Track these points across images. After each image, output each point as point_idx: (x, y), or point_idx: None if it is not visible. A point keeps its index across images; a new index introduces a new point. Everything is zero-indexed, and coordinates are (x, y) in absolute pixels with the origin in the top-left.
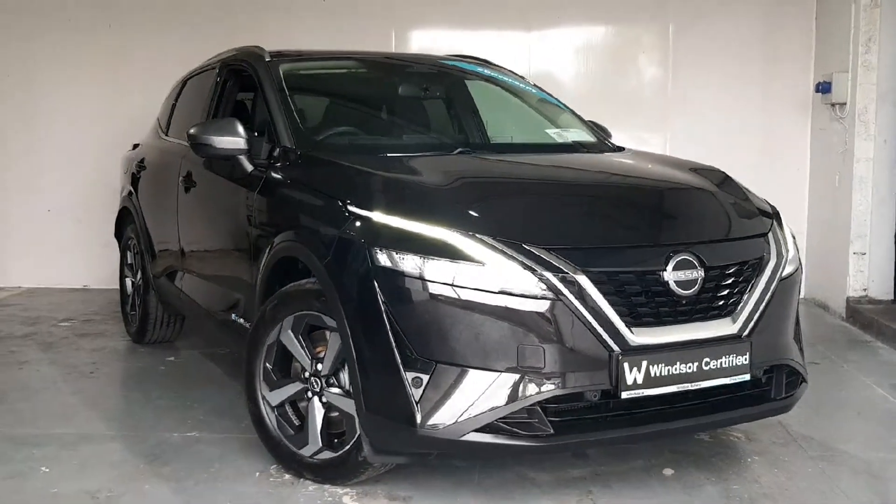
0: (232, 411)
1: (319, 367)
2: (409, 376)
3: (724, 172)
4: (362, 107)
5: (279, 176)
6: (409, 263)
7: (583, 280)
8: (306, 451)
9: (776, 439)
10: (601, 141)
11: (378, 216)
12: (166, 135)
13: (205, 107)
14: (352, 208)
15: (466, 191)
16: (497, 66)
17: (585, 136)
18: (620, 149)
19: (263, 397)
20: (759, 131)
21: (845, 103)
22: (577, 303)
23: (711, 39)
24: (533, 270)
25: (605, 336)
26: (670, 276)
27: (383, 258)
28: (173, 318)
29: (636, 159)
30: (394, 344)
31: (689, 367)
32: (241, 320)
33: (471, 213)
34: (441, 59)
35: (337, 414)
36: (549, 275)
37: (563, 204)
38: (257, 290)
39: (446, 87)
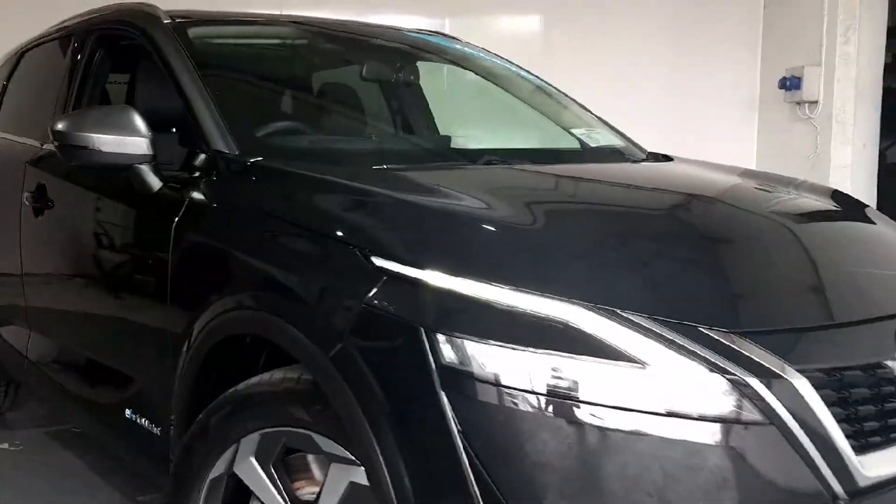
0: None
1: None
2: None
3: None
4: (308, 94)
5: (215, 199)
6: (502, 362)
7: (801, 386)
8: None
9: None
10: (635, 146)
11: (436, 277)
12: None
13: (59, 91)
14: (382, 262)
15: (575, 233)
16: (472, 44)
17: (615, 139)
18: (668, 157)
19: None
20: (686, 137)
21: (817, 101)
22: (793, 424)
23: (618, 26)
24: (727, 374)
25: (828, 473)
26: None
27: (452, 352)
28: (4, 383)
29: (733, 175)
30: None
31: None
32: (143, 420)
33: (604, 273)
34: (407, 32)
35: None
36: (754, 381)
37: (730, 254)
38: (180, 380)
39: (426, 71)
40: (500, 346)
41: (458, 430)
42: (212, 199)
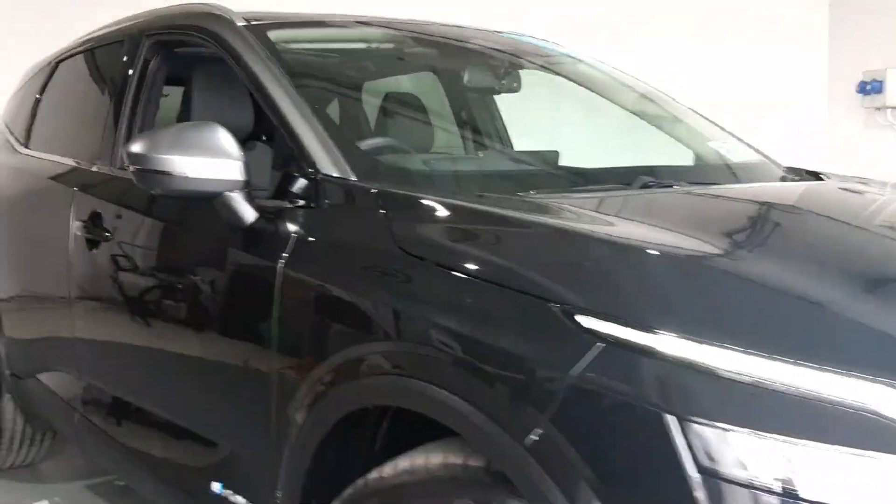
0: None
1: None
2: None
3: None
4: (407, 108)
5: (334, 235)
6: (793, 466)
7: None
8: None
9: None
10: (769, 159)
11: (681, 346)
12: (27, 147)
13: (109, 106)
14: (595, 324)
15: (847, 286)
16: (572, 49)
17: (751, 154)
18: (812, 173)
19: None
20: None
21: None
22: None
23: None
24: None
25: None
26: None
27: (717, 450)
28: (41, 433)
29: None
30: None
31: None
32: (237, 498)
33: None
34: (506, 35)
35: None
36: None
37: None
38: (292, 454)
39: (530, 79)
40: (796, 443)
41: None
42: (329, 236)
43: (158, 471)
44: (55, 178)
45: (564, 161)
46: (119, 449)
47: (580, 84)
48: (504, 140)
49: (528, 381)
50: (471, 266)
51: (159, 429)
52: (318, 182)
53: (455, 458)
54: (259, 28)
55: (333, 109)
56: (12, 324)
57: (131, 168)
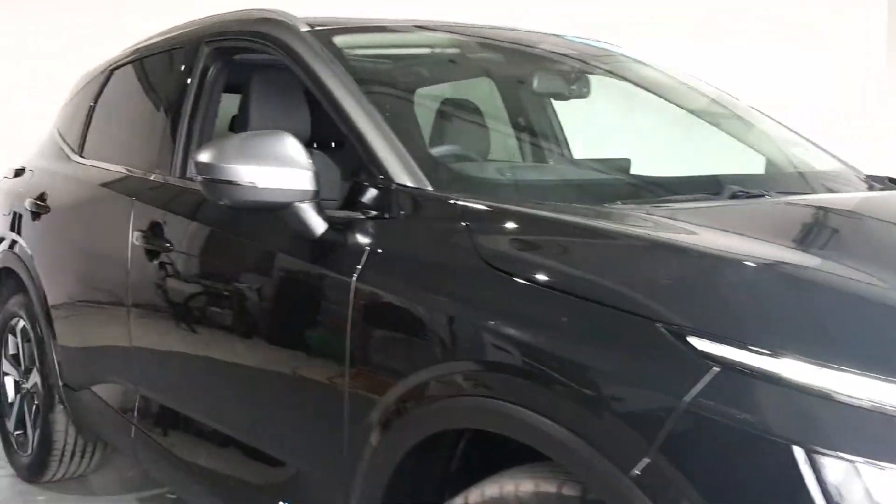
0: None
1: None
2: None
3: None
4: (476, 114)
5: (411, 248)
6: None
7: None
8: None
9: None
10: (848, 166)
11: (808, 372)
12: (81, 155)
13: (165, 115)
14: (710, 347)
15: None
16: (636, 53)
17: (832, 161)
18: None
19: None
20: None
21: None
22: None
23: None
24: None
25: None
26: None
27: (854, 486)
28: (92, 444)
29: None
30: None
31: None
32: None
33: None
34: (569, 39)
35: None
36: None
37: None
38: (367, 477)
39: (599, 85)
40: None
41: None
42: (405, 248)
43: (220, 488)
44: (112, 186)
45: (635, 169)
46: (178, 464)
47: (643, 87)
48: (565, 147)
49: (633, 407)
50: (564, 282)
51: (221, 445)
52: (392, 192)
53: (548, 486)
54: (324, 34)
55: (401, 116)
56: (65, 333)
57: (199, 178)
